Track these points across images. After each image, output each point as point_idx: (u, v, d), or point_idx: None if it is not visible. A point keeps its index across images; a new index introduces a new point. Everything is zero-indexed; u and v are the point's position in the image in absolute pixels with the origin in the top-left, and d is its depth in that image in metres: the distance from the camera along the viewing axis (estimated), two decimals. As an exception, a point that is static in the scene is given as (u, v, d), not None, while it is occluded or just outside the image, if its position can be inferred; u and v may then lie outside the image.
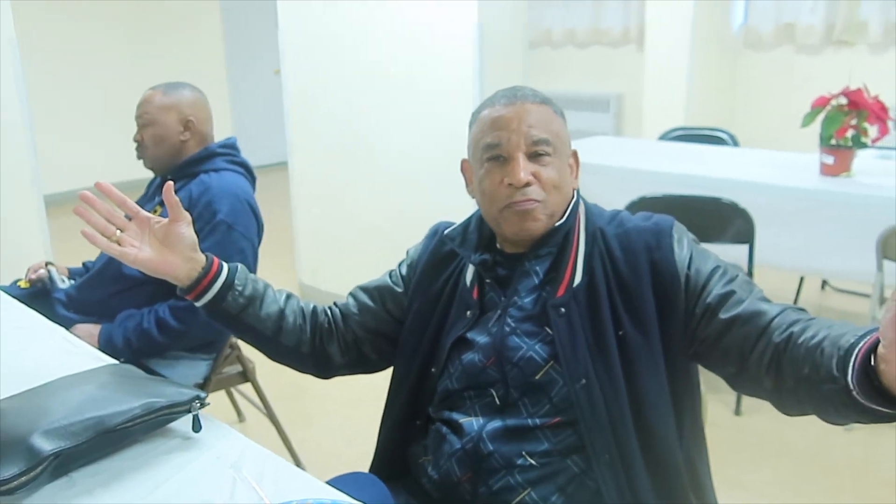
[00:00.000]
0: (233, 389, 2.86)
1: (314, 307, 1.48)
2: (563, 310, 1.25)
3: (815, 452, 2.72)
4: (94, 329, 2.14)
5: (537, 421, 1.25)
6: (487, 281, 1.34)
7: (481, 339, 1.31)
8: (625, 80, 6.42)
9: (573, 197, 1.34)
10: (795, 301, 3.96)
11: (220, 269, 1.34)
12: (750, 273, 2.88)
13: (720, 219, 2.87)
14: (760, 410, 2.95)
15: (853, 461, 2.68)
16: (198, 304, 1.35)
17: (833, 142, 3.07)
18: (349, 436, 2.88)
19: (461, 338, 1.33)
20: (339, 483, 1.18)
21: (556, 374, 1.24)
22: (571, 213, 1.31)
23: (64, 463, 1.14)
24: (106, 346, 2.07)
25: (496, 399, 1.28)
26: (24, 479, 1.07)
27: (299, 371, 1.50)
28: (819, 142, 3.15)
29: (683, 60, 5.46)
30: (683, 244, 1.26)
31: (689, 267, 1.23)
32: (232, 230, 2.11)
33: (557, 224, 1.29)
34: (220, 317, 1.36)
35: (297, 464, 2.51)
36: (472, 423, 1.28)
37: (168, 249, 1.29)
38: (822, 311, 4.16)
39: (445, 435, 1.31)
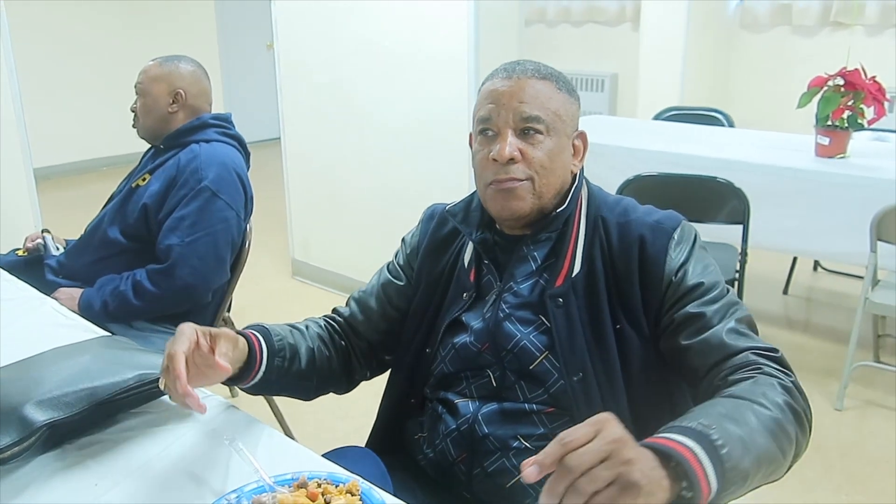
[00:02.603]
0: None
1: (329, 330, 1.41)
2: (561, 300, 1.23)
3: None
4: (75, 292, 2.15)
5: (534, 406, 1.24)
6: (485, 262, 1.32)
7: (475, 323, 1.29)
8: (620, 59, 6.39)
9: (575, 180, 1.30)
10: (788, 282, 3.99)
11: (261, 351, 1.23)
12: (744, 253, 2.88)
13: (715, 198, 2.86)
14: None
15: (842, 441, 2.70)
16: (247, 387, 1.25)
17: (829, 123, 3.07)
18: (341, 412, 2.88)
19: (456, 320, 1.31)
20: (334, 457, 1.17)
21: (551, 366, 1.22)
22: (572, 198, 1.27)
23: (57, 434, 1.13)
24: (85, 310, 2.07)
25: (493, 381, 1.27)
26: (16, 449, 1.07)
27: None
28: (815, 123, 3.15)
29: (679, 40, 5.43)
30: (682, 249, 1.21)
31: (676, 274, 1.19)
32: (216, 198, 2.10)
33: (559, 210, 1.26)
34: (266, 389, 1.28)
35: (288, 436, 2.51)
36: (467, 404, 1.27)
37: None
38: (814, 292, 4.19)
39: (441, 415, 1.30)
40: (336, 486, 1.03)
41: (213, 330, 1.12)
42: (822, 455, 2.60)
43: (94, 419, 1.18)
